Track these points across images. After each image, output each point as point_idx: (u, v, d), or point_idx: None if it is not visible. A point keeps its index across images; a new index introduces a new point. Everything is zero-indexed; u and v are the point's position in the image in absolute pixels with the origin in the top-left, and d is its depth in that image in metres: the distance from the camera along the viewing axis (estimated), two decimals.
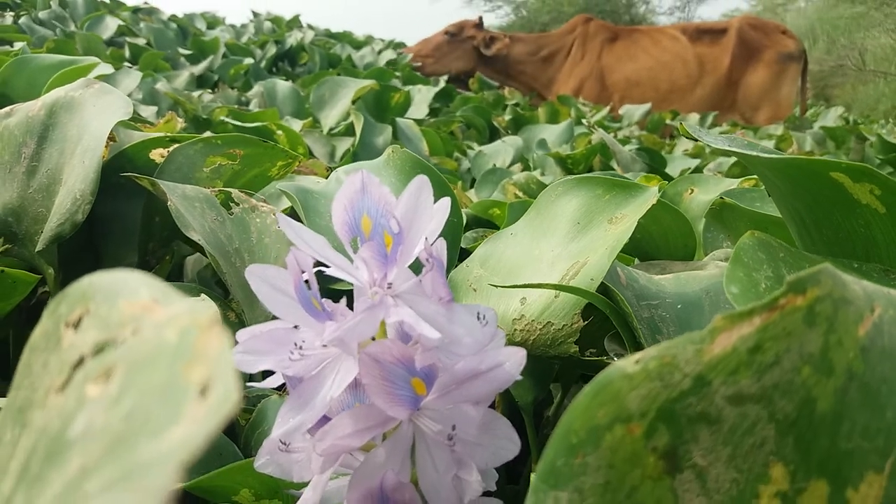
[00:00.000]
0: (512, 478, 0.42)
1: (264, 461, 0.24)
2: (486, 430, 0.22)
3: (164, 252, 0.49)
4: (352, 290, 0.22)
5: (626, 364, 0.15)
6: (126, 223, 0.48)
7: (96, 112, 0.47)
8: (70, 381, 0.13)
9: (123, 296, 0.13)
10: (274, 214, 0.44)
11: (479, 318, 0.23)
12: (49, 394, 0.12)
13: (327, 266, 0.22)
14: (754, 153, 0.23)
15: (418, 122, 1.41)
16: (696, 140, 0.25)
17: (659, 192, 0.37)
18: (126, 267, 0.51)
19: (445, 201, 0.23)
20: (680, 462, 0.15)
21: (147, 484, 0.08)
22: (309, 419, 0.21)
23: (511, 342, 0.35)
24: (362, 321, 0.20)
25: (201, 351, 0.10)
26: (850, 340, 0.15)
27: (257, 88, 1.50)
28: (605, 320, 0.35)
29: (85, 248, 0.49)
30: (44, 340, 0.13)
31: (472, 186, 1.08)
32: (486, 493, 0.23)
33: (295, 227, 0.22)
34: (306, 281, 0.20)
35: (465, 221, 0.67)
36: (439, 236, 0.24)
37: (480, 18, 3.81)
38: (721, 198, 0.40)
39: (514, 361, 0.22)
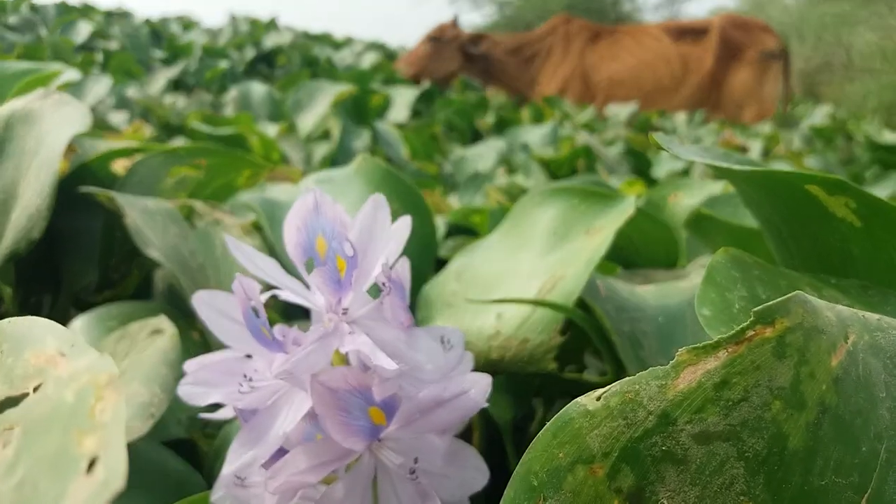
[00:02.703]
0: (493, 501, 0.41)
1: (220, 495, 0.22)
2: (452, 461, 0.21)
3: (127, 268, 0.47)
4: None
5: (587, 401, 0.14)
6: (86, 238, 0.46)
7: (54, 124, 0.45)
8: None
9: (30, 345, 0.12)
10: (239, 228, 0.42)
11: (443, 342, 0.22)
12: None
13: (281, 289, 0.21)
14: (727, 165, 0.22)
15: (399, 124, 1.39)
16: (668, 151, 0.25)
17: (640, 198, 0.36)
18: (87, 283, 0.49)
19: (406, 220, 0.22)
20: None
21: None
22: (262, 454, 0.20)
23: (487, 359, 0.34)
24: (313, 352, 0.19)
25: (95, 417, 0.10)
26: (822, 372, 0.14)
27: (233, 92, 1.47)
28: (585, 334, 0.34)
29: (44, 265, 0.47)
30: None
31: (454, 190, 1.07)
32: None
33: (245, 252, 0.21)
34: (254, 309, 0.19)
35: (444, 229, 0.66)
36: (403, 254, 0.22)
37: (455, 17, 3.80)
38: (698, 210, 0.40)
39: (479, 388, 0.21)
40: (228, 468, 0.20)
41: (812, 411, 0.14)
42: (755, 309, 0.14)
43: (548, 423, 0.15)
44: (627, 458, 0.14)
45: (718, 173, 0.26)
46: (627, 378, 0.14)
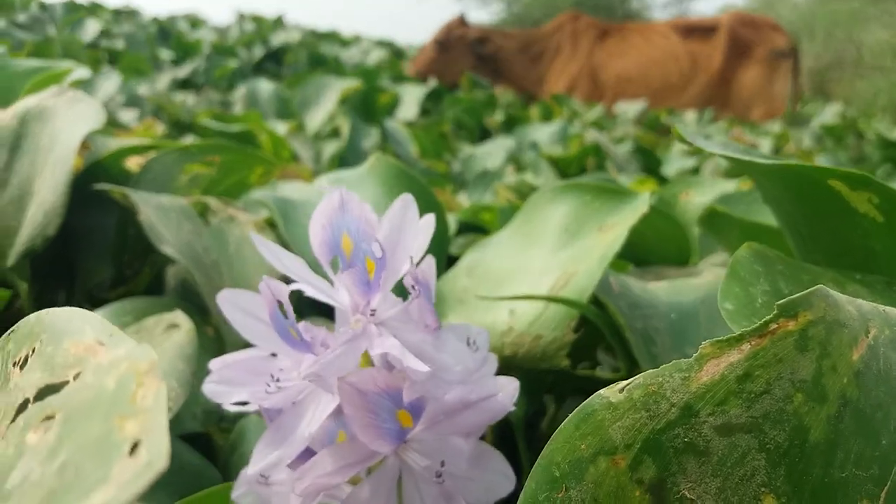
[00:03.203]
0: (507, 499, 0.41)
1: (242, 492, 0.23)
2: (477, 464, 0.21)
3: (140, 264, 0.47)
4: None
5: (610, 393, 0.15)
6: (101, 235, 0.47)
7: (68, 121, 0.45)
8: (14, 425, 0.12)
9: (69, 335, 0.13)
10: (252, 225, 0.43)
11: (468, 342, 0.22)
12: None
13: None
14: (749, 158, 0.22)
15: (408, 122, 1.39)
16: (691, 144, 0.25)
17: (652, 196, 0.36)
18: (101, 280, 0.49)
19: (430, 218, 0.22)
20: (667, 495, 0.14)
21: None
22: (288, 454, 0.20)
23: (500, 355, 0.34)
24: (342, 355, 0.19)
25: (137, 402, 0.10)
26: (844, 365, 0.14)
27: (241, 90, 1.48)
28: (598, 330, 0.34)
29: (59, 262, 0.48)
30: None
31: (463, 189, 1.07)
32: None
33: (272, 250, 0.21)
34: (282, 309, 0.19)
35: (455, 227, 0.66)
36: (427, 253, 0.22)
37: (462, 15, 3.79)
38: (713, 206, 0.40)
39: (507, 392, 0.21)
40: (254, 468, 0.20)
41: (833, 404, 0.14)
42: (778, 302, 0.14)
43: (570, 415, 0.15)
44: (649, 450, 0.14)
45: (739, 167, 0.26)
46: (650, 370, 0.14)
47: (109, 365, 0.11)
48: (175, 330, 0.32)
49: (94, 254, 0.47)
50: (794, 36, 4.16)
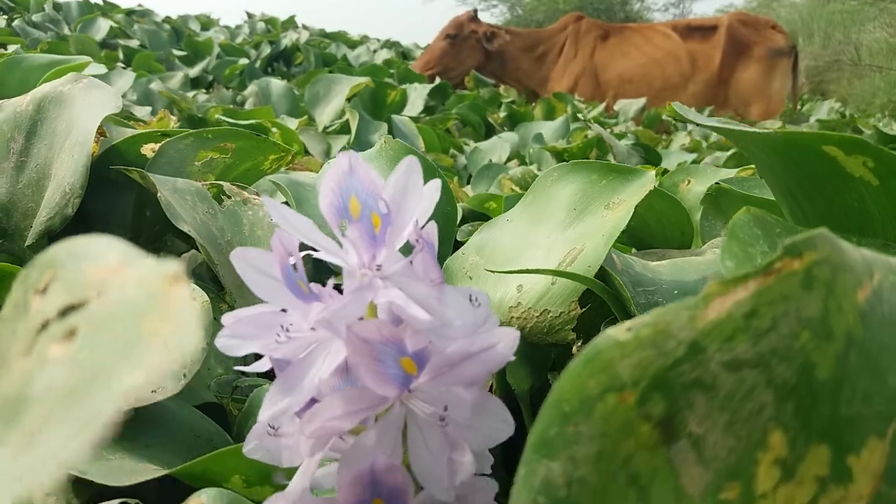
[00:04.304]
0: (508, 465, 0.42)
1: (253, 446, 0.23)
2: (479, 412, 0.22)
3: (155, 247, 0.48)
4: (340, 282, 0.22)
5: (617, 332, 0.15)
6: (116, 218, 0.48)
7: (85, 106, 0.46)
8: (34, 344, 0.12)
9: (90, 260, 0.13)
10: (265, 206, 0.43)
11: (471, 300, 0.22)
12: (14, 359, 0.12)
13: (315, 250, 0.22)
14: (744, 129, 0.23)
15: (413, 119, 1.40)
16: (685, 122, 0.25)
17: (656, 179, 0.37)
18: None
19: (436, 183, 0.23)
20: (675, 430, 0.14)
21: (100, 422, 0.08)
22: (297, 402, 0.21)
23: None
24: (351, 302, 0.19)
25: (165, 306, 0.10)
26: (849, 305, 0.15)
27: (252, 88, 1.49)
28: (602, 307, 0.34)
29: None
30: (13, 310, 0.13)
31: (468, 183, 1.08)
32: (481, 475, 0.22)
33: (281, 211, 0.22)
34: (293, 264, 0.20)
35: (460, 215, 0.67)
36: (430, 219, 0.23)
37: (475, 10, 3.79)
38: (717, 183, 0.40)
39: (507, 342, 0.21)
40: (263, 415, 0.21)
41: (839, 342, 0.15)
42: (784, 242, 0.14)
43: (577, 355, 0.15)
44: (657, 386, 0.14)
45: (735, 139, 0.26)
46: (657, 309, 0.15)
47: (135, 280, 0.11)
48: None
49: (112, 235, 0.47)
50: (793, 36, 4.14)
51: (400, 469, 0.21)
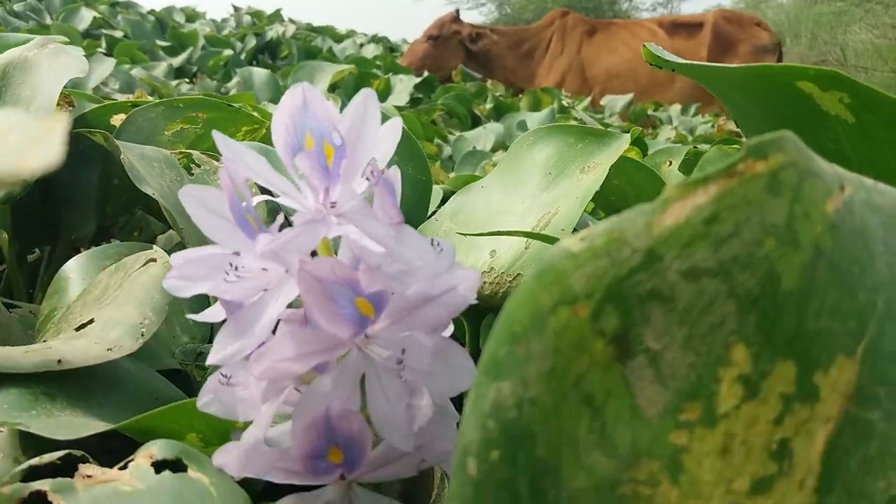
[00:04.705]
0: None
1: (207, 399, 0.22)
2: (439, 359, 0.21)
3: (124, 217, 0.47)
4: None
5: (570, 242, 0.14)
6: (83, 188, 0.46)
7: (50, 72, 0.44)
8: None
9: None
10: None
11: (433, 245, 0.22)
12: None
13: (270, 193, 0.21)
14: (716, 65, 0.22)
15: (399, 108, 1.39)
16: (660, 68, 0.24)
17: (632, 139, 0.36)
18: (84, 233, 0.48)
19: (396, 121, 0.22)
20: (631, 346, 0.13)
21: None
22: (248, 345, 0.19)
23: (480, 294, 0.34)
24: (300, 234, 0.18)
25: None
26: (817, 214, 0.14)
27: (236, 78, 1.47)
28: None
29: (41, 215, 0.47)
30: None
31: (452, 169, 1.07)
32: None
33: (232, 146, 0.21)
34: (240, 194, 0.19)
35: (441, 196, 0.66)
36: (392, 164, 0.22)
37: (457, 11, 3.79)
38: (695, 147, 0.40)
39: (467, 284, 0.20)
40: (212, 357, 0.20)
41: (807, 252, 0.14)
42: (747, 142, 0.14)
43: (531, 270, 0.15)
44: (612, 299, 0.14)
45: (705, 75, 0.26)
46: (614, 216, 0.14)
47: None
48: (153, 263, 0.32)
49: (78, 206, 0.46)
50: (780, 36, 4.20)
51: (356, 415, 0.20)
